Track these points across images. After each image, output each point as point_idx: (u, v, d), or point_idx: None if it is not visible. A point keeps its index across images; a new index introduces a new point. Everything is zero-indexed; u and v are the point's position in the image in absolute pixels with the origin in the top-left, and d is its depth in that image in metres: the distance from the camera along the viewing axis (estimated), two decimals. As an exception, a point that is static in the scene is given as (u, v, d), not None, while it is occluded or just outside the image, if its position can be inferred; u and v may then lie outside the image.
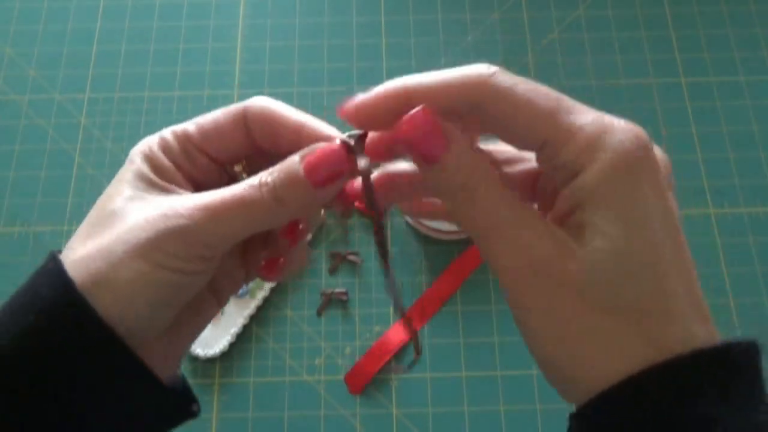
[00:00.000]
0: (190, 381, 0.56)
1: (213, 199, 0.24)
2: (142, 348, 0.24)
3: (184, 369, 0.57)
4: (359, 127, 0.25)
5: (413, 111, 0.23)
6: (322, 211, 0.62)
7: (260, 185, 0.24)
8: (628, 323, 0.21)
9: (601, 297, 0.22)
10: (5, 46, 0.71)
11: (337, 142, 0.25)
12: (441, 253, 0.61)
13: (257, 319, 0.59)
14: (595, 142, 0.22)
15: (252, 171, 0.27)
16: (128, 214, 0.24)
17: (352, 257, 0.61)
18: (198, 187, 0.27)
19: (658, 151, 0.23)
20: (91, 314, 0.23)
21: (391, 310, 0.59)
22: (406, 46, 0.70)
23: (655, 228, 0.22)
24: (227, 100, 0.67)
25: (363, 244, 0.62)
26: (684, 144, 0.65)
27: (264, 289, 0.59)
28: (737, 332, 0.58)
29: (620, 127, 0.22)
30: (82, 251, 0.24)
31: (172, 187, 0.26)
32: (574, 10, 0.71)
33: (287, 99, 0.70)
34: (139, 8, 0.72)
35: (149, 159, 0.26)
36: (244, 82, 0.68)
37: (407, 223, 0.62)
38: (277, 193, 0.24)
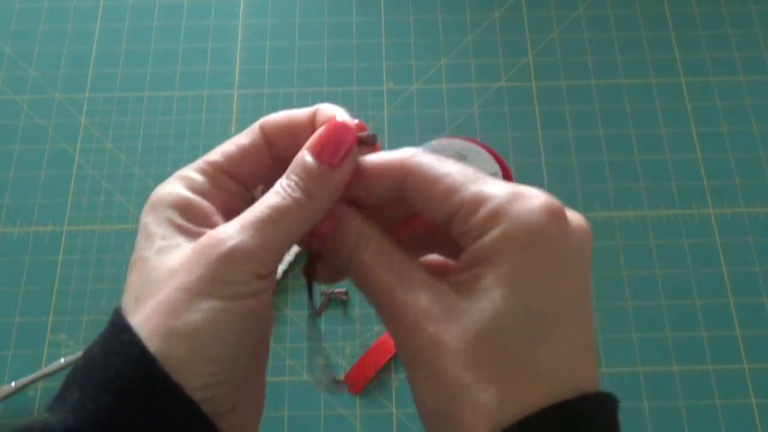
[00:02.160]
0: (190, 381, 0.57)
1: (246, 218, 0.24)
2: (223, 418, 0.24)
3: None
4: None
5: None
6: None
7: (284, 190, 0.25)
8: (495, 384, 0.22)
9: (473, 357, 0.22)
10: (5, 46, 0.71)
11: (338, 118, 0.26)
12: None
13: (257, 319, 0.59)
14: (500, 210, 0.23)
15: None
16: (169, 262, 0.24)
17: (352, 257, 0.61)
18: (229, 215, 0.26)
19: (578, 222, 0.24)
20: (173, 389, 0.22)
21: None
22: (406, 46, 0.70)
23: (537, 296, 0.23)
24: (227, 100, 0.67)
25: (363, 244, 0.62)
26: (684, 144, 0.65)
27: (264, 289, 0.59)
28: (737, 332, 0.58)
29: (528, 196, 0.23)
30: (141, 313, 0.23)
31: (215, 223, 0.25)
32: (574, 10, 0.71)
33: (287, 99, 0.71)
34: (139, 8, 0.72)
35: (176, 203, 0.25)
36: (244, 82, 0.68)
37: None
38: (303, 190, 0.25)
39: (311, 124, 0.27)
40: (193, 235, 0.25)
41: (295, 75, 0.69)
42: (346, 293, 0.59)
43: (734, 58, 0.69)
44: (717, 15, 0.71)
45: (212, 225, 0.25)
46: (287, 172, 0.25)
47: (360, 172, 0.26)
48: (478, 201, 0.23)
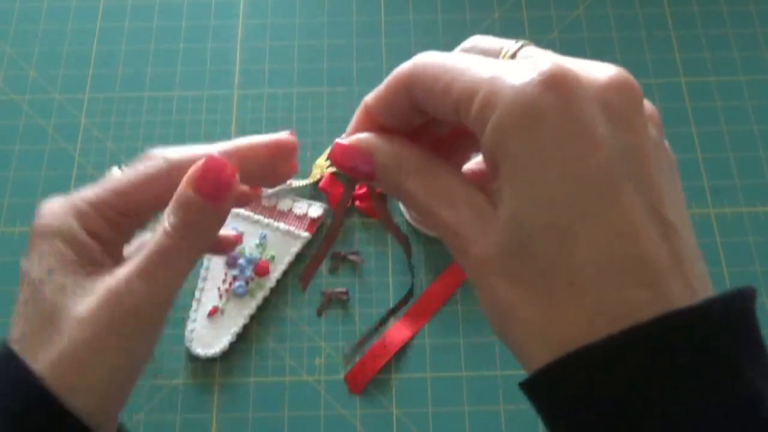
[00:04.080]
0: (190, 381, 0.57)
1: (139, 263, 0.24)
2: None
3: (185, 369, 0.57)
4: (351, 166, 0.25)
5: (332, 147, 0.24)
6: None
7: (173, 228, 0.24)
8: (537, 300, 0.19)
9: (511, 273, 0.20)
10: (5, 46, 0.71)
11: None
12: (441, 253, 0.61)
13: (257, 318, 0.59)
14: (490, 95, 0.19)
15: None
16: (73, 309, 0.24)
17: (352, 257, 0.61)
18: (114, 248, 0.27)
19: (605, 78, 0.20)
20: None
21: (391, 307, 0.59)
22: (406, 46, 0.70)
23: (556, 187, 0.19)
24: (227, 100, 0.67)
25: (363, 244, 0.62)
26: (684, 144, 0.65)
27: (264, 289, 0.59)
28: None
29: (517, 71, 0.19)
30: (44, 358, 0.23)
31: (99, 262, 0.25)
32: (574, 10, 0.71)
33: (287, 99, 0.71)
34: (139, 8, 0.72)
35: (67, 238, 0.25)
36: (244, 82, 0.68)
37: (407, 223, 0.62)
38: (187, 228, 0.24)
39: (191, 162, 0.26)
40: (89, 271, 0.25)
41: (295, 75, 0.69)
42: (346, 293, 0.59)
43: (734, 58, 0.69)
44: (717, 15, 0.71)
45: (100, 262, 0.25)
46: (170, 209, 0.25)
47: (378, 96, 0.24)
48: (470, 91, 0.20)
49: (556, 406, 0.20)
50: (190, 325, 0.58)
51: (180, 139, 0.66)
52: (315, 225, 0.61)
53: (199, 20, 0.72)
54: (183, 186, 0.24)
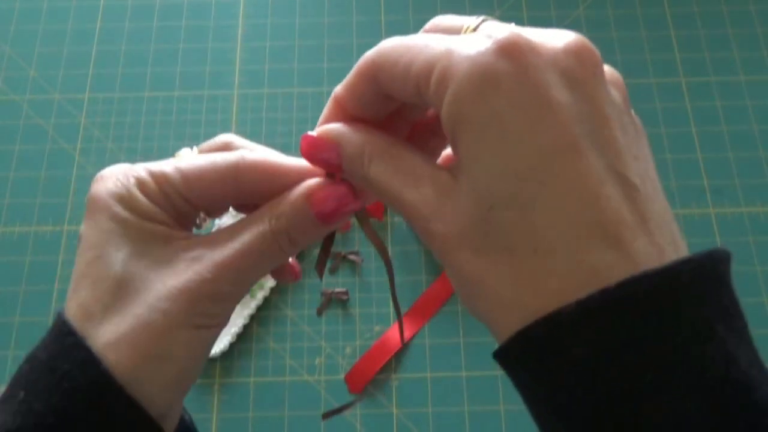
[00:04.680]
0: (190, 381, 0.57)
1: (231, 255, 0.23)
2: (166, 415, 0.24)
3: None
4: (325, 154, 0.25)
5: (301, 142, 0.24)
6: None
7: (274, 233, 0.24)
8: (504, 272, 0.19)
9: (476, 246, 0.20)
10: (5, 46, 0.71)
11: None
12: (441, 253, 0.61)
13: (257, 318, 0.59)
14: (445, 70, 0.19)
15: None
16: (147, 279, 0.23)
17: (352, 257, 0.61)
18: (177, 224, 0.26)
19: (563, 44, 0.20)
20: (139, 411, 0.22)
21: (391, 309, 0.59)
22: (406, 46, 0.70)
23: (514, 154, 0.19)
24: (227, 100, 0.67)
25: (363, 244, 0.62)
26: (684, 144, 0.65)
27: (264, 289, 0.59)
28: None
29: (470, 42, 0.19)
30: (114, 325, 0.22)
31: (165, 230, 0.24)
32: (574, 10, 0.71)
33: (287, 99, 0.71)
34: (139, 8, 0.72)
35: (128, 203, 0.24)
36: (243, 82, 0.68)
37: (407, 223, 0.62)
38: (290, 237, 0.24)
39: (294, 174, 0.25)
40: (158, 239, 0.24)
41: (295, 75, 0.69)
42: (346, 293, 0.59)
43: (734, 58, 0.69)
44: (717, 15, 0.71)
45: (167, 233, 0.24)
46: (278, 212, 0.24)
47: (344, 88, 0.24)
48: (428, 68, 0.20)
49: (527, 372, 0.19)
50: (190, 325, 0.58)
51: (180, 139, 0.66)
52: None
53: (199, 20, 0.72)
54: (302, 197, 0.24)
